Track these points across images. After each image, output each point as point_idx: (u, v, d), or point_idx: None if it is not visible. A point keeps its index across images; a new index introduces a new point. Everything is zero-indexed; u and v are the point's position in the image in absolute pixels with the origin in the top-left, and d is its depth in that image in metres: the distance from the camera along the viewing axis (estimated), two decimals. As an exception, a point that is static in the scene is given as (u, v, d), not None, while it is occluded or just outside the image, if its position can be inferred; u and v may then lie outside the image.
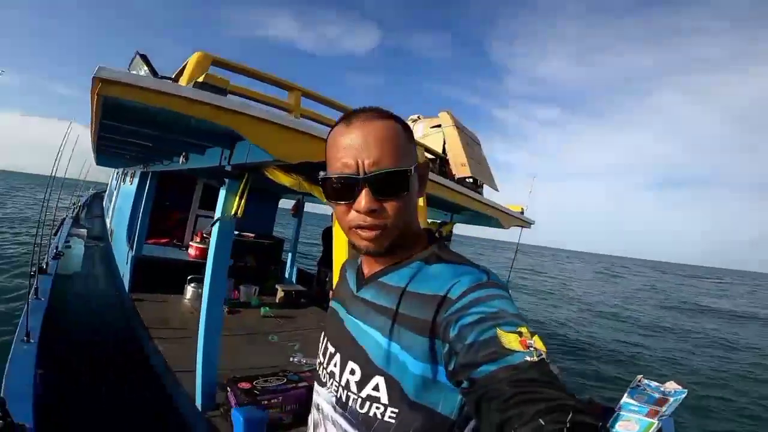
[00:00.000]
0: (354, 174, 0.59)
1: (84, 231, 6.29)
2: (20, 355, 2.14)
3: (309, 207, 6.05)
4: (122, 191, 6.84)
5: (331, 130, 0.65)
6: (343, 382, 0.63)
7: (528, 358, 0.45)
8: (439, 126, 3.42)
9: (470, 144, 3.41)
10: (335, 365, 0.66)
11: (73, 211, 7.47)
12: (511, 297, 0.55)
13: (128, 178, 6.43)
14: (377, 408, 0.58)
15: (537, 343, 0.47)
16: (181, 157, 3.10)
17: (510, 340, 0.47)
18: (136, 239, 4.64)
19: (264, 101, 2.25)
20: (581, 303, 15.60)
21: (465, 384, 0.48)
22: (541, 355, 0.45)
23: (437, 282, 0.59)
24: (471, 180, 3.41)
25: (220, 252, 2.32)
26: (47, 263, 3.87)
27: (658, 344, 9.91)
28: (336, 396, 0.64)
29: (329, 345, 0.71)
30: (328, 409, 0.66)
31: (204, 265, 4.87)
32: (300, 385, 2.31)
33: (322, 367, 0.71)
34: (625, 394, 2.50)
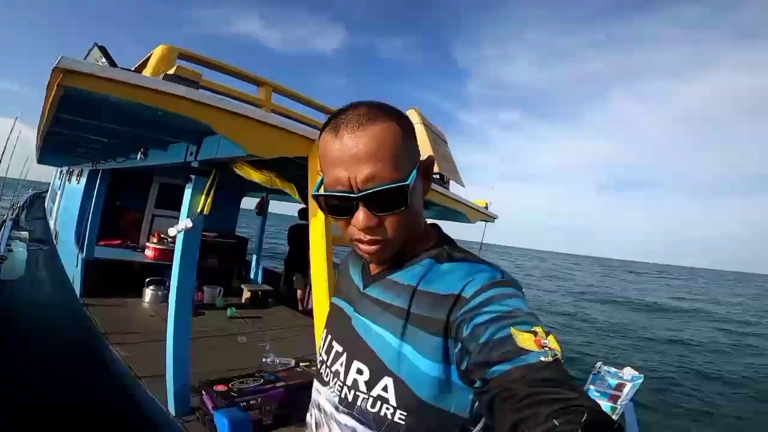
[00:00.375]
0: (347, 192, 0.56)
1: (26, 234, 5.81)
2: None
3: (273, 207, 5.93)
4: (67, 191, 6.38)
5: (320, 138, 0.61)
6: (349, 382, 0.61)
7: (543, 358, 0.44)
8: (407, 123, 3.47)
9: (437, 141, 3.48)
10: (341, 364, 0.64)
11: (13, 212, 6.87)
12: (524, 296, 0.54)
13: (74, 177, 6.01)
14: (387, 409, 0.56)
15: (551, 342, 0.46)
16: (140, 153, 2.95)
17: (524, 339, 0.46)
18: (86, 241, 4.35)
19: (234, 96, 2.19)
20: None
21: (478, 383, 0.47)
22: (556, 355, 0.45)
23: (450, 281, 0.57)
24: (439, 176, 3.49)
25: (187, 251, 2.23)
26: None
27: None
28: (339, 396, 0.62)
29: (335, 344, 0.68)
30: (330, 409, 0.64)
31: (163, 266, 4.69)
32: (278, 385, 2.27)
33: (324, 365, 0.69)
34: (588, 381, 2.69)
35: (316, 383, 0.71)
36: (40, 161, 7.38)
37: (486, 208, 4.05)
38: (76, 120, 2.03)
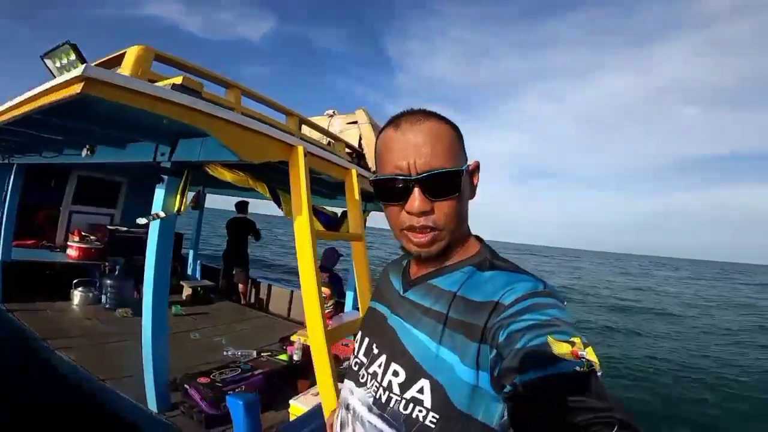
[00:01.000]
0: (406, 175, 0.59)
1: None
2: None
3: (209, 202, 5.78)
4: None
5: (379, 134, 0.66)
6: (384, 383, 0.61)
7: (578, 368, 0.43)
8: (356, 122, 3.72)
9: (385, 141, 3.80)
10: (379, 366, 0.64)
11: None
12: (566, 308, 0.54)
13: None
14: (420, 411, 0.56)
15: (589, 354, 0.45)
16: (85, 150, 2.81)
17: (561, 348, 0.45)
18: (1, 242, 3.92)
19: (208, 99, 2.27)
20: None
21: (508, 388, 0.47)
22: (592, 366, 0.44)
23: (490, 288, 0.57)
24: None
25: (161, 251, 2.27)
26: None
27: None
28: (374, 397, 0.62)
29: (374, 347, 0.69)
30: (360, 410, 0.64)
31: (88, 266, 4.38)
32: (256, 373, 2.44)
33: (362, 367, 0.69)
34: None
35: (349, 383, 0.71)
36: None
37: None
38: (43, 119, 1.97)
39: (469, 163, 0.65)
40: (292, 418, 2.05)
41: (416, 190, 0.59)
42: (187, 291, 4.76)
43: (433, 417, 0.55)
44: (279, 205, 2.66)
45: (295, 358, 2.90)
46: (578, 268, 41.13)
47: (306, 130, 3.13)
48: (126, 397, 2.30)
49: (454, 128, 0.64)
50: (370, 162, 3.69)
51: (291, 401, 2.12)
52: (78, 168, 4.99)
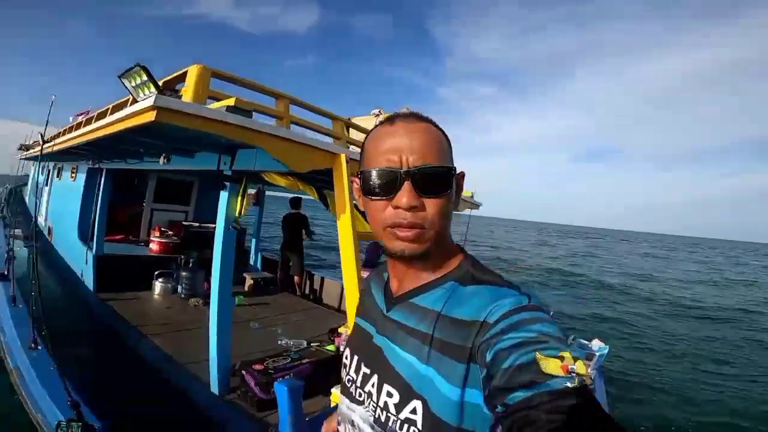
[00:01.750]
0: (397, 168, 0.58)
1: (20, 231, 5.86)
2: (38, 362, 2.23)
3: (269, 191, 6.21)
4: (59, 187, 6.40)
5: (371, 132, 0.65)
6: (381, 403, 0.62)
7: (569, 384, 0.43)
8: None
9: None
10: (372, 386, 0.64)
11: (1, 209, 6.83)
12: (554, 320, 0.53)
13: (66, 174, 6.05)
14: (414, 431, 0.56)
15: (580, 368, 0.44)
16: (162, 158, 3.19)
17: (550, 364, 0.45)
18: (95, 238, 4.53)
19: (260, 111, 2.49)
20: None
21: (499, 409, 0.46)
22: (583, 381, 0.43)
23: (475, 305, 0.57)
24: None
25: (226, 250, 2.54)
26: (7, 268, 3.72)
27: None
28: (374, 416, 0.63)
29: (363, 366, 0.68)
30: (364, 427, 0.65)
31: (167, 259, 4.92)
32: (304, 361, 2.65)
33: (354, 385, 0.69)
34: None
35: (345, 400, 0.71)
36: (25, 158, 7.30)
37: (471, 197, 4.48)
38: (126, 136, 2.29)
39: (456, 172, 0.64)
40: (332, 404, 2.22)
41: (407, 183, 0.58)
42: (249, 282, 5.17)
43: None
44: (326, 206, 2.84)
45: (342, 349, 3.09)
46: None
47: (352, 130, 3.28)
48: (194, 380, 2.61)
49: (445, 135, 0.65)
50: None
51: (333, 389, 2.29)
52: (156, 170, 5.60)
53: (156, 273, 4.64)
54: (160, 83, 2.52)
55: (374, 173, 0.60)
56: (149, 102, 1.52)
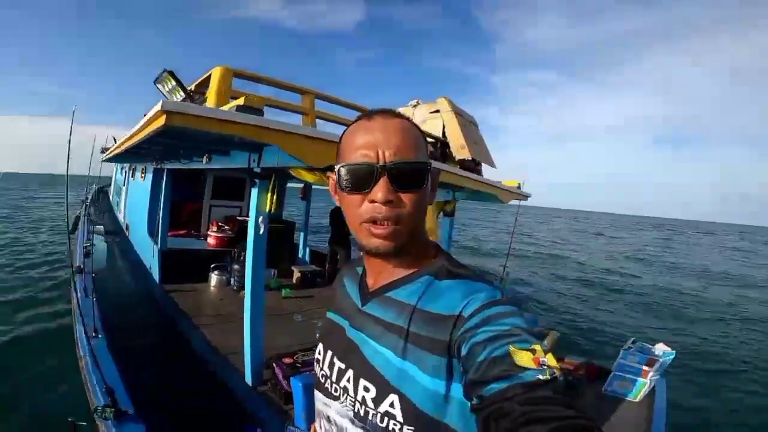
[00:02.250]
0: (374, 162, 0.59)
1: (101, 227, 6.56)
2: (98, 349, 2.41)
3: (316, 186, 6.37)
4: (133, 186, 7.07)
5: (348, 127, 0.66)
6: (359, 398, 0.62)
7: (540, 376, 0.44)
8: (438, 111, 3.66)
9: (468, 126, 3.66)
10: (348, 381, 0.65)
11: (86, 208, 7.72)
12: (523, 314, 0.55)
13: (138, 174, 6.65)
14: (395, 424, 0.57)
15: (550, 361, 0.47)
16: (204, 157, 3.36)
17: (522, 357, 0.46)
18: (159, 233, 4.93)
19: (283, 107, 2.50)
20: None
21: (475, 401, 0.48)
22: (554, 373, 0.45)
23: (449, 300, 0.58)
24: (471, 160, 3.69)
25: (257, 245, 2.60)
26: (83, 262, 4.16)
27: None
28: (353, 410, 0.63)
29: (337, 360, 0.69)
30: (343, 422, 0.65)
31: (223, 252, 5.21)
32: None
33: (330, 381, 0.69)
34: (619, 356, 2.99)
35: (321, 396, 0.72)
36: (104, 161, 8.15)
37: (518, 188, 4.21)
38: (162, 140, 2.41)
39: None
40: None
41: (383, 178, 0.58)
42: (296, 275, 5.33)
43: (408, 429, 0.56)
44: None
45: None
46: None
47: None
48: (233, 370, 2.73)
49: (421, 132, 0.66)
50: (455, 151, 3.60)
51: None
52: (212, 168, 5.95)
53: (212, 266, 4.94)
54: (193, 86, 2.64)
55: (351, 168, 0.60)
56: (158, 107, 1.56)
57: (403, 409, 0.56)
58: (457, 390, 0.54)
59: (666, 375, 3.03)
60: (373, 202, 0.59)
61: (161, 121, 1.60)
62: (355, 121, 0.65)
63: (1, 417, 3.21)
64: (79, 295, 3.27)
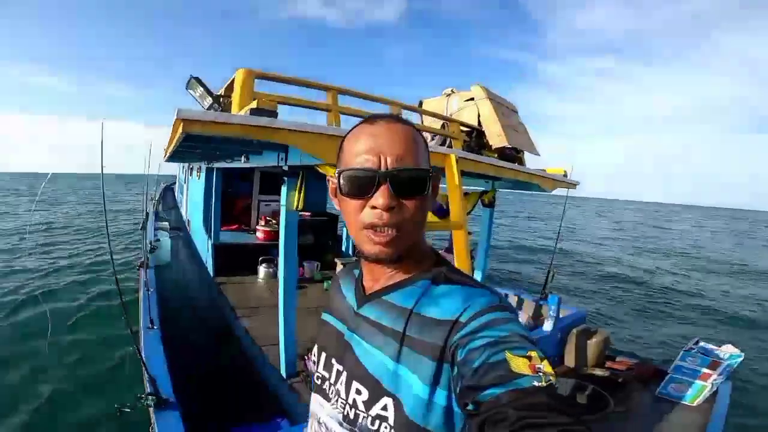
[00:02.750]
0: (376, 169, 0.59)
1: (166, 223, 7.11)
2: (151, 340, 2.60)
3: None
4: (192, 184, 7.58)
5: (350, 131, 0.65)
6: (350, 401, 0.63)
7: (536, 383, 0.45)
8: (473, 99, 3.50)
9: (506, 114, 3.47)
10: (341, 384, 0.65)
11: (154, 205, 8.42)
12: (520, 321, 0.56)
13: (195, 173, 7.11)
14: (385, 428, 0.57)
15: (546, 367, 0.47)
16: (243, 157, 3.51)
17: (518, 364, 0.46)
18: (213, 229, 5.25)
19: (306, 105, 2.52)
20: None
21: (470, 407, 0.47)
22: (550, 380, 0.45)
23: (447, 305, 0.58)
24: (511, 148, 3.50)
25: (288, 240, 2.68)
26: (147, 257, 4.54)
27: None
28: (343, 413, 0.64)
29: (334, 362, 0.69)
30: (332, 425, 0.66)
31: (271, 246, 5.43)
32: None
33: (328, 382, 0.70)
34: (678, 357, 2.76)
35: (317, 397, 0.73)
36: (167, 160, 8.80)
37: (565, 176, 3.94)
38: (194, 145, 2.54)
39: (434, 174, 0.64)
40: None
41: (385, 185, 0.58)
42: (339, 267, 5.43)
43: None
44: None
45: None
46: None
47: (412, 113, 3.13)
48: (270, 362, 2.85)
49: (423, 138, 0.65)
50: (491, 139, 3.45)
51: None
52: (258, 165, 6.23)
53: (260, 259, 5.17)
54: (222, 90, 2.75)
55: (353, 173, 0.60)
56: (175, 115, 1.64)
57: (395, 413, 0.57)
58: (442, 397, 0.54)
59: (731, 379, 2.73)
60: (374, 208, 0.59)
61: (180, 129, 1.68)
62: (357, 125, 0.64)
63: (69, 399, 3.60)
64: (141, 288, 3.57)
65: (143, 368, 2.17)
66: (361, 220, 0.60)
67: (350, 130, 0.65)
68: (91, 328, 5.24)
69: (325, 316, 0.78)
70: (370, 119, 0.64)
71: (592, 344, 3.45)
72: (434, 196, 0.66)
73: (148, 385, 2.03)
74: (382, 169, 0.58)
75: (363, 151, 0.60)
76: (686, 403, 2.62)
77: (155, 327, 2.83)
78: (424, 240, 0.69)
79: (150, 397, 1.91)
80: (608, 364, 3.41)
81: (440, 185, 0.72)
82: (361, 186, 0.59)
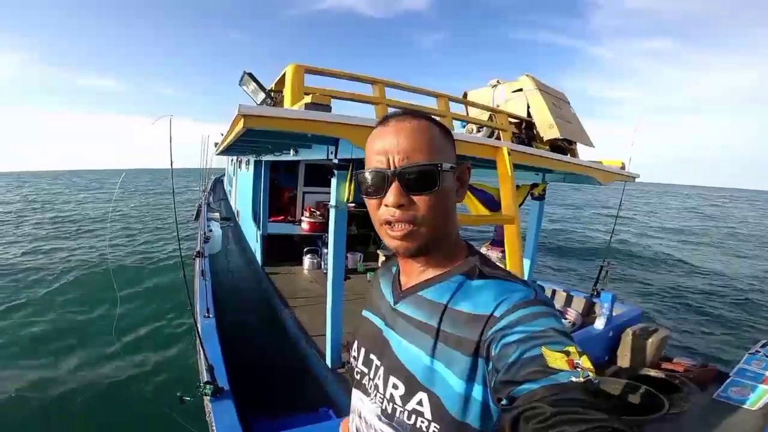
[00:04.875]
0: (384, 169, 0.61)
1: (217, 214, 7.48)
2: (207, 328, 2.71)
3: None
4: (240, 176, 7.89)
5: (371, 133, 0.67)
6: (387, 395, 0.64)
7: (573, 378, 0.44)
8: (521, 90, 3.39)
9: (557, 104, 3.33)
10: (379, 378, 0.67)
11: (206, 197, 8.88)
12: (558, 316, 0.54)
13: (243, 165, 7.39)
14: (422, 422, 0.58)
15: (585, 363, 0.46)
16: (292, 150, 3.61)
17: (555, 359, 0.46)
18: (261, 219, 5.46)
19: (355, 98, 2.55)
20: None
21: (504, 401, 0.47)
22: (588, 375, 0.44)
23: (481, 300, 0.58)
24: (563, 140, 3.37)
25: (338, 232, 2.74)
26: (202, 247, 4.80)
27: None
28: (381, 407, 0.65)
29: (372, 357, 0.71)
30: (371, 419, 0.67)
31: (316, 237, 5.56)
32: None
33: (366, 377, 0.71)
34: (742, 360, 2.62)
35: (358, 392, 0.74)
36: (217, 154, 9.23)
37: (623, 168, 3.74)
38: (247, 139, 2.65)
39: (456, 165, 0.64)
40: None
41: (394, 183, 0.60)
42: (381, 258, 5.48)
43: (435, 427, 0.58)
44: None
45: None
46: None
47: (456, 106, 3.08)
48: (317, 351, 2.93)
49: (442, 129, 0.65)
50: (542, 131, 3.33)
51: None
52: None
53: (305, 249, 5.32)
54: (273, 85, 2.83)
55: (366, 174, 0.63)
56: (236, 111, 1.71)
57: (431, 407, 0.58)
58: (478, 392, 0.55)
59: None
60: (387, 206, 0.61)
61: (241, 124, 1.75)
62: (376, 125, 0.66)
63: (128, 384, 3.86)
64: (197, 277, 3.75)
65: (202, 356, 2.25)
66: (379, 217, 0.63)
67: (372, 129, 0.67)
68: (149, 314, 5.63)
69: (365, 312, 0.80)
70: (383, 120, 0.65)
71: (649, 344, 3.28)
72: (461, 187, 0.67)
73: (206, 373, 2.10)
74: (391, 168, 0.60)
75: (375, 151, 0.63)
76: (746, 407, 2.48)
77: (211, 316, 2.93)
78: (457, 233, 0.68)
79: (207, 386, 1.97)
80: (665, 365, 3.24)
81: (468, 176, 0.70)
82: (375, 186, 0.62)
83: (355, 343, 0.79)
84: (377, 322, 0.74)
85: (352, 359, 0.79)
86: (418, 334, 0.63)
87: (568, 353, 0.46)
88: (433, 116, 0.67)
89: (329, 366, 2.71)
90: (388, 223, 0.62)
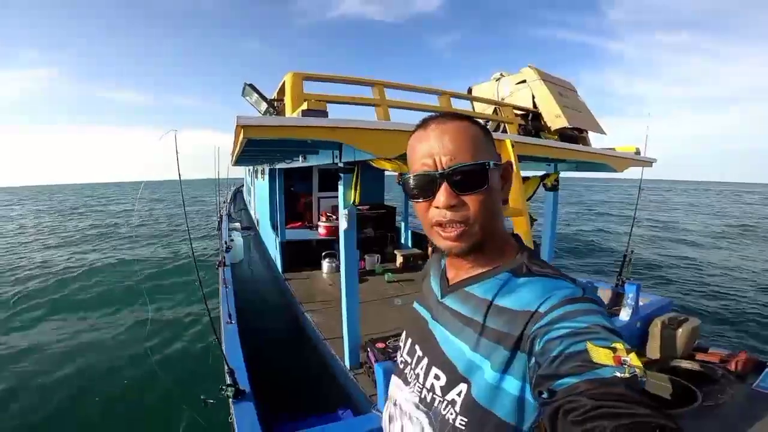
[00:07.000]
0: (432, 171, 0.61)
1: (238, 224, 7.65)
2: (229, 334, 2.79)
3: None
4: (257, 185, 8.05)
5: (410, 136, 0.68)
6: (427, 385, 0.65)
7: (618, 374, 0.43)
8: (524, 81, 3.34)
9: (563, 93, 3.27)
10: (421, 368, 0.68)
11: (227, 207, 9.10)
12: (606, 313, 0.53)
13: (260, 175, 7.54)
14: (451, 414, 0.60)
15: (633, 360, 0.44)
16: (300, 157, 3.66)
17: (600, 354, 0.45)
18: (279, 226, 5.55)
19: (355, 102, 2.57)
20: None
21: (545, 395, 0.46)
22: (635, 372, 0.43)
23: (527, 296, 0.58)
24: (573, 128, 3.30)
25: (348, 235, 2.77)
26: (224, 257, 4.92)
27: None
28: (420, 396, 0.67)
29: (417, 348, 0.72)
30: (408, 407, 0.68)
31: (332, 241, 5.62)
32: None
33: (408, 367, 0.72)
34: None
35: (396, 380, 0.76)
36: (234, 165, 9.45)
37: (637, 153, 3.63)
38: (256, 149, 2.70)
39: (499, 163, 0.65)
40: None
41: (443, 185, 0.60)
42: (399, 259, 5.49)
43: (461, 420, 0.59)
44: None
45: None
46: None
47: (460, 103, 3.06)
48: (334, 353, 2.96)
49: (483, 129, 0.66)
50: (550, 121, 3.28)
51: None
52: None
53: (323, 254, 5.37)
54: (275, 94, 2.88)
55: (413, 178, 0.63)
56: (236, 122, 1.75)
57: (465, 399, 0.59)
58: (511, 384, 0.55)
59: None
60: (438, 207, 0.61)
61: (242, 134, 1.80)
62: (415, 128, 0.67)
63: (148, 387, 3.96)
64: (220, 285, 3.86)
65: (224, 360, 2.31)
66: (429, 219, 0.63)
67: (410, 135, 0.67)
68: (176, 319, 5.80)
69: (415, 305, 0.81)
70: (423, 123, 0.66)
71: (679, 334, 3.16)
72: (506, 185, 0.67)
73: (227, 376, 2.16)
74: (438, 170, 0.60)
75: (420, 155, 0.63)
76: (788, 397, 2.34)
77: (233, 321, 3.02)
78: (504, 229, 0.68)
79: (229, 389, 2.04)
80: (698, 356, 3.11)
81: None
82: (424, 189, 0.62)
83: (403, 333, 0.80)
84: (424, 314, 0.75)
85: (397, 349, 0.81)
86: (462, 327, 0.64)
87: (614, 350, 0.45)
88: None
89: (347, 367, 2.73)
90: (440, 224, 0.62)
